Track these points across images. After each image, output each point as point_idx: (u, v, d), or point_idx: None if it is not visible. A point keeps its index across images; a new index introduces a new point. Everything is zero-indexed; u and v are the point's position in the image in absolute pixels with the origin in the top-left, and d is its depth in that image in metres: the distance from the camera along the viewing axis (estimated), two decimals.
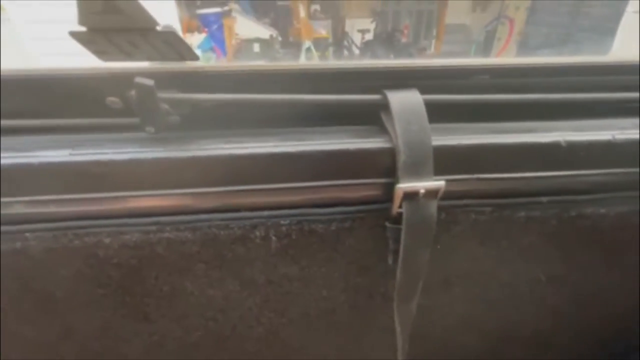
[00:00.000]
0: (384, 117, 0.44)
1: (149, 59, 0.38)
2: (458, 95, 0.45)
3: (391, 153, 0.42)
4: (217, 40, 3.71)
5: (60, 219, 0.40)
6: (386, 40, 4.93)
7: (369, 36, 4.99)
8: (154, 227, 0.42)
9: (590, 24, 4.12)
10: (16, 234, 0.40)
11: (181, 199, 0.42)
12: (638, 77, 0.49)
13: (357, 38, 5.04)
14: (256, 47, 4.32)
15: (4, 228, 0.39)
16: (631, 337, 0.72)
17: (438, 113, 0.43)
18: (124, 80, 0.38)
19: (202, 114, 0.43)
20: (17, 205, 0.38)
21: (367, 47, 4.91)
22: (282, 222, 0.45)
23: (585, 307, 0.66)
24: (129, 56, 0.38)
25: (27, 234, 0.40)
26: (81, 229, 0.41)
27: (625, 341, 0.73)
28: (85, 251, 0.43)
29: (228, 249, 0.46)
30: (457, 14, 6.61)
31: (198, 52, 3.18)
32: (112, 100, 0.40)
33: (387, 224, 0.46)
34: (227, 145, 0.41)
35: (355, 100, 0.43)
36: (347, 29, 5.56)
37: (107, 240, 0.42)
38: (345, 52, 5.24)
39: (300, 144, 0.41)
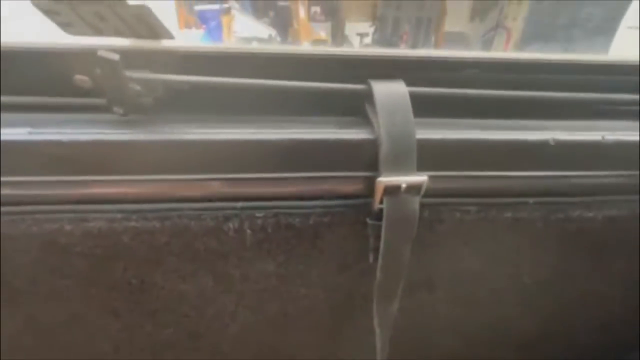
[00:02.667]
0: (368, 107, 0.42)
1: (118, 34, 0.36)
2: (446, 89, 0.43)
3: (373, 145, 0.40)
4: (214, 38, 3.69)
5: (17, 202, 0.38)
6: (384, 45, 4.95)
7: (367, 40, 5.01)
8: (119, 215, 0.40)
9: (586, 35, 4.18)
10: None
11: (149, 186, 0.40)
12: (634, 77, 0.47)
13: (356, 42, 5.05)
14: None
15: None
16: (615, 340, 0.71)
17: (424, 106, 0.41)
18: (94, 57, 0.36)
19: (177, 98, 0.41)
20: None
21: None
22: (257, 214, 0.43)
23: (571, 311, 0.65)
24: (97, 31, 0.36)
25: None
26: (40, 214, 0.39)
27: (609, 344, 0.72)
28: (45, 238, 0.40)
29: (200, 241, 0.44)
30: (456, 22, 6.66)
31: None
32: (81, 78, 0.38)
33: (368, 220, 0.44)
34: (200, 130, 0.39)
35: (338, 89, 0.42)
36: (346, 32, 5.58)
37: (68, 228, 0.39)
38: None
39: (278, 132, 0.39)
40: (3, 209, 0.38)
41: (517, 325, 0.66)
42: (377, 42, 5.09)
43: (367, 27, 5.09)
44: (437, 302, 0.59)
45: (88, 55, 0.36)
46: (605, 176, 0.46)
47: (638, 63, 0.46)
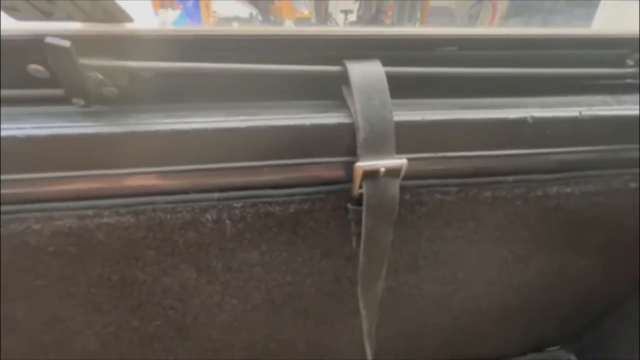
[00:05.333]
0: (344, 90, 0.41)
1: (70, 18, 0.33)
2: (423, 68, 0.42)
3: (350, 129, 0.39)
4: (193, 18, 3.53)
5: None
6: (370, 21, 4.82)
7: (352, 17, 4.87)
8: (90, 212, 0.38)
9: (568, 7, 4.15)
10: None
11: (119, 180, 0.38)
12: (612, 51, 0.47)
13: (340, 19, 4.91)
14: (236, 26, 4.15)
15: None
16: (593, 308, 0.74)
17: (401, 86, 0.40)
18: (43, 45, 0.33)
19: (143, 86, 0.39)
20: None
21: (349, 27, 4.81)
22: (235, 204, 0.41)
23: (551, 286, 0.67)
24: (48, 15, 0.33)
25: None
26: (4, 214, 0.37)
27: (587, 312, 0.75)
28: (13, 239, 0.38)
29: (177, 234, 0.43)
30: None
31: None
32: (36, 68, 0.35)
33: (349, 205, 0.44)
34: (169, 120, 0.37)
35: (313, 71, 0.40)
36: (330, 9, 5.40)
37: (36, 227, 0.38)
38: None
39: (250, 118, 0.38)
40: None
41: (500, 298, 0.68)
42: (361, 18, 4.95)
43: (351, 4, 4.94)
44: (421, 281, 0.60)
45: (38, 43, 0.33)
46: (583, 152, 0.46)
47: (617, 36, 0.45)
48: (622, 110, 0.45)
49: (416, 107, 0.42)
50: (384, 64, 0.40)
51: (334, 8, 5.42)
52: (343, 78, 0.40)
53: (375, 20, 4.89)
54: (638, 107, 0.45)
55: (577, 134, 0.45)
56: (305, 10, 5.19)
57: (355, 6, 4.89)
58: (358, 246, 0.46)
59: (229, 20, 4.09)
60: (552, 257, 0.60)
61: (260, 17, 4.19)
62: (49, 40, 0.30)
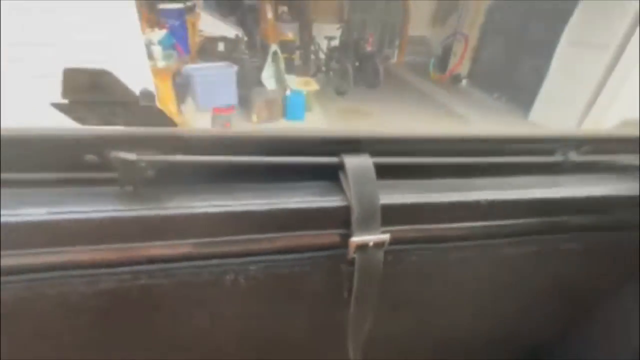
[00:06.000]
0: (341, 176, 0.50)
1: (127, 124, 0.40)
2: (400, 158, 0.52)
3: (347, 210, 0.48)
4: (178, 37, 3.57)
5: (36, 270, 0.41)
6: (352, 47, 5.05)
7: (335, 43, 5.06)
8: (129, 276, 0.44)
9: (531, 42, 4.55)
10: None
11: (158, 250, 0.44)
12: (546, 145, 0.59)
13: (324, 44, 5.09)
14: (221, 46, 4.21)
15: None
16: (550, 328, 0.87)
17: (386, 170, 0.50)
18: (101, 140, 0.40)
19: (175, 169, 0.45)
20: None
21: (333, 53, 4.99)
22: (250, 267, 0.49)
23: (504, 322, 0.79)
24: (108, 123, 0.40)
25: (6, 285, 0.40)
26: (56, 279, 0.42)
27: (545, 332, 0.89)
28: (59, 299, 0.43)
29: (200, 292, 0.49)
30: (418, 26, 6.96)
31: (158, 48, 3.05)
32: (91, 157, 0.41)
33: (343, 266, 0.52)
34: (201, 204, 0.44)
35: (317, 162, 0.48)
36: (314, 33, 5.60)
37: (81, 289, 0.43)
38: (312, 57, 5.29)
39: (269, 202, 0.45)
40: (25, 276, 0.40)
41: (465, 331, 0.79)
42: (344, 44, 5.17)
43: (334, 30, 5.15)
44: (400, 318, 0.68)
45: (98, 140, 0.39)
46: (526, 222, 0.58)
47: (548, 136, 0.58)
48: (555, 190, 0.57)
49: (397, 189, 0.51)
50: (371, 154, 0.49)
51: (317, 32, 5.63)
52: (340, 167, 0.49)
53: (356, 46, 5.12)
54: (568, 188, 0.58)
55: (521, 210, 0.56)
56: (290, 34, 5.37)
57: (337, 33, 5.11)
58: (350, 296, 0.54)
59: (214, 40, 4.16)
60: (504, 301, 0.72)
61: (246, 38, 4.28)
62: (120, 154, 0.36)
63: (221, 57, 3.91)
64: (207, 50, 4.06)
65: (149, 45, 2.97)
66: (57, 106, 0.37)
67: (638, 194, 0.60)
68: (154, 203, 0.42)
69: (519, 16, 4.84)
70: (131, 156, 0.36)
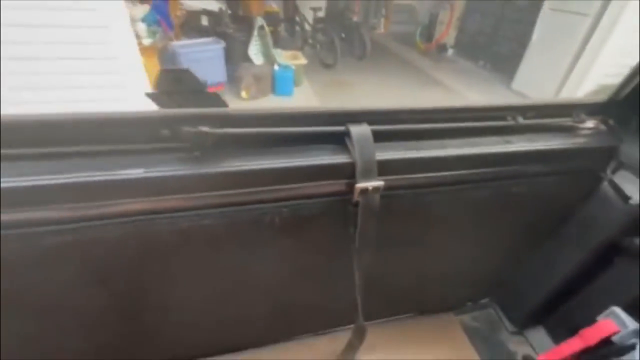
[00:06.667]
0: (347, 140, 0.64)
1: (194, 106, 0.54)
2: (390, 126, 0.67)
3: (352, 165, 0.64)
4: (161, 13, 3.48)
5: (134, 214, 0.57)
6: (338, 17, 4.98)
7: (320, 14, 4.97)
8: (198, 217, 0.61)
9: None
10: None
11: (217, 198, 0.60)
12: (503, 113, 0.73)
13: (309, 15, 4.98)
14: (204, 20, 4.11)
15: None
16: (506, 270, 1.10)
17: (380, 135, 0.64)
18: (175, 119, 0.54)
19: (227, 138, 0.58)
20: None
21: (318, 24, 4.92)
22: (282, 210, 0.65)
23: (472, 255, 0.99)
24: (181, 106, 0.54)
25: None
26: (148, 221, 0.58)
27: (502, 273, 1.12)
28: (151, 236, 0.60)
29: (246, 230, 0.67)
30: None
31: (143, 25, 3.00)
32: (165, 133, 0.55)
33: (349, 207, 0.69)
34: (246, 163, 0.59)
35: (329, 130, 0.64)
36: (298, 3, 5.43)
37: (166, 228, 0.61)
38: (297, 29, 5.19)
39: (294, 160, 0.61)
40: (127, 218, 0.56)
41: (442, 260, 0.98)
42: (329, 15, 5.08)
43: (320, 2, 5.05)
44: (393, 254, 0.86)
45: (172, 118, 0.54)
46: (485, 171, 0.73)
47: (504, 105, 0.72)
48: (507, 146, 0.74)
49: (389, 149, 0.66)
50: (369, 123, 0.63)
51: (303, 4, 5.47)
52: (346, 134, 0.63)
53: (342, 16, 5.04)
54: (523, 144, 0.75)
55: (479, 161, 0.72)
56: (274, 4, 5.22)
57: (323, 4, 5.00)
58: (355, 232, 0.70)
59: (197, 13, 4.06)
60: (479, 235, 0.91)
61: (229, 11, 4.18)
62: (203, 129, 0.51)
63: (205, 31, 3.83)
64: (190, 25, 3.97)
65: (132, 23, 2.91)
66: (150, 95, 0.50)
67: (568, 147, 0.78)
68: (215, 164, 0.58)
69: None
70: (200, 130, 0.49)
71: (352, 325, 0.91)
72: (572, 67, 3.44)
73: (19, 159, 0.49)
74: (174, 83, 0.53)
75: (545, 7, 3.75)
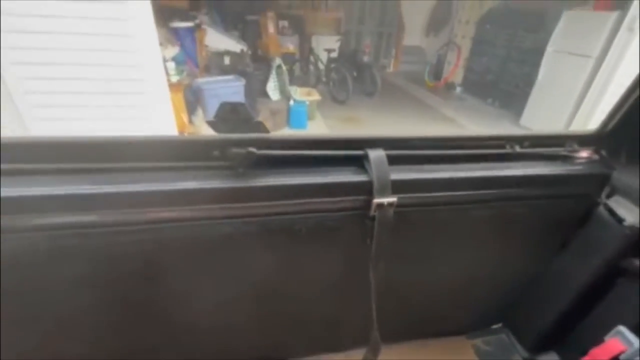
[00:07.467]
0: (365, 163, 0.74)
1: (243, 132, 0.65)
2: (403, 151, 0.76)
3: (370, 184, 0.73)
4: (189, 53, 3.81)
5: (182, 220, 0.66)
6: (350, 58, 5.30)
7: (334, 54, 5.29)
8: (240, 224, 0.70)
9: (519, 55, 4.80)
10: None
11: (255, 209, 0.69)
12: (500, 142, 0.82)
13: (323, 56, 5.32)
14: (227, 60, 4.44)
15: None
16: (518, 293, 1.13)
17: (394, 159, 0.74)
18: (222, 142, 0.64)
19: (266, 158, 0.68)
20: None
21: (331, 64, 5.24)
22: (309, 221, 0.74)
23: (477, 271, 1.03)
24: (232, 132, 0.65)
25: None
26: (193, 227, 0.68)
27: (514, 297, 1.14)
28: (190, 240, 0.69)
29: (277, 236, 0.75)
30: (413, 37, 7.27)
31: (172, 64, 3.28)
32: (216, 153, 0.65)
33: (367, 221, 0.77)
34: (281, 179, 0.69)
35: (350, 154, 0.74)
36: (313, 44, 5.84)
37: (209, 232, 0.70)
38: (312, 68, 5.54)
39: (321, 178, 0.71)
40: (174, 224, 0.65)
41: (450, 275, 1.02)
42: (342, 55, 5.42)
43: (333, 42, 5.42)
44: (406, 266, 0.92)
45: (220, 142, 0.64)
46: (487, 193, 0.81)
47: (500, 135, 0.81)
48: (506, 171, 0.82)
49: (402, 171, 0.76)
50: (385, 148, 0.73)
51: (316, 44, 5.87)
52: (365, 156, 0.73)
53: (354, 56, 5.37)
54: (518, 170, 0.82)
55: (480, 185, 0.80)
56: (290, 46, 5.62)
57: (336, 45, 5.36)
58: (371, 242, 0.78)
59: (220, 54, 4.41)
60: (486, 253, 0.98)
61: (249, 52, 4.52)
62: (250, 149, 0.61)
63: (227, 70, 4.14)
64: (214, 64, 4.30)
65: (163, 62, 3.19)
66: (210, 123, 0.65)
67: (563, 173, 0.85)
68: (255, 179, 0.68)
69: (508, 27, 5.10)
70: (248, 150, 0.63)
71: (366, 347, 0.96)
72: (578, 104, 3.54)
73: (100, 172, 0.62)
74: (231, 113, 0.65)
75: (549, 49, 3.94)
